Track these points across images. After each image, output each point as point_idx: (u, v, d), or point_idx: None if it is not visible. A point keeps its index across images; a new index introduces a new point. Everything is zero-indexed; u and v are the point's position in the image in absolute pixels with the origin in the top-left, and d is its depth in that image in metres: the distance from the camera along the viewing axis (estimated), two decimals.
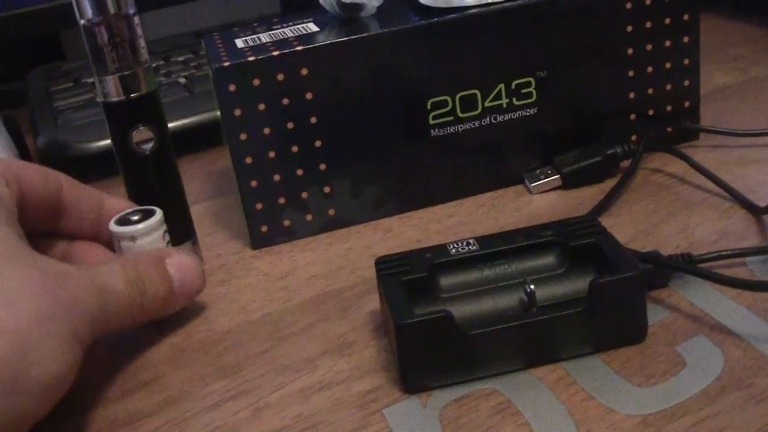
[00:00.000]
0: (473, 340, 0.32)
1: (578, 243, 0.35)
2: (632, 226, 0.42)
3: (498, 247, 0.36)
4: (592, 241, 0.35)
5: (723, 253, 0.37)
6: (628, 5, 0.46)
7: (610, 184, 0.46)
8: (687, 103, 0.50)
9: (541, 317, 0.33)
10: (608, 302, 0.33)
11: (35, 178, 0.38)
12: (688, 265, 0.36)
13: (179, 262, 0.38)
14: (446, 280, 0.35)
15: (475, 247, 0.36)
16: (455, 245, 0.36)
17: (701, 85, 0.50)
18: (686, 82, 0.49)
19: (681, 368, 0.32)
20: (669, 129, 0.50)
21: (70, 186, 0.40)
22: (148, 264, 0.37)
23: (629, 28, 0.47)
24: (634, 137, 0.49)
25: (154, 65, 0.68)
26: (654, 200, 0.44)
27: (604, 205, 0.44)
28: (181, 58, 0.69)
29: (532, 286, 0.34)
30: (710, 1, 0.74)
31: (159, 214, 0.40)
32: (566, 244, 0.35)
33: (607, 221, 0.43)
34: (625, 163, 0.47)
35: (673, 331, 0.34)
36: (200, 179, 0.56)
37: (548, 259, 0.36)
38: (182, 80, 0.64)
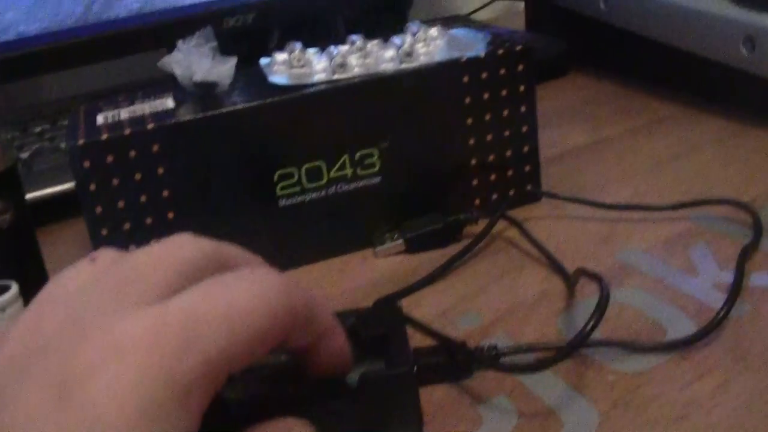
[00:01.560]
0: None
1: (369, 334, 0.35)
2: (460, 290, 0.45)
3: None
4: (381, 333, 0.35)
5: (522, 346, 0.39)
6: (465, 78, 0.50)
7: (454, 248, 0.49)
8: (527, 168, 0.53)
9: (310, 408, 0.31)
10: (377, 397, 0.32)
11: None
12: (491, 359, 0.38)
13: None
14: None
15: None
16: None
17: (555, 146, 0.53)
18: (525, 148, 0.52)
19: None
20: (511, 193, 0.53)
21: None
22: None
23: (467, 100, 0.50)
24: (477, 201, 0.52)
25: (39, 129, 0.70)
26: (485, 264, 0.47)
27: (440, 270, 0.47)
28: (66, 122, 0.71)
29: None
30: (581, 60, 0.78)
31: (14, 288, 0.41)
32: (359, 335, 0.37)
33: (438, 286, 0.46)
34: (470, 228, 0.50)
35: (453, 424, 0.36)
36: (79, 243, 0.58)
37: None
38: (64, 145, 0.65)
